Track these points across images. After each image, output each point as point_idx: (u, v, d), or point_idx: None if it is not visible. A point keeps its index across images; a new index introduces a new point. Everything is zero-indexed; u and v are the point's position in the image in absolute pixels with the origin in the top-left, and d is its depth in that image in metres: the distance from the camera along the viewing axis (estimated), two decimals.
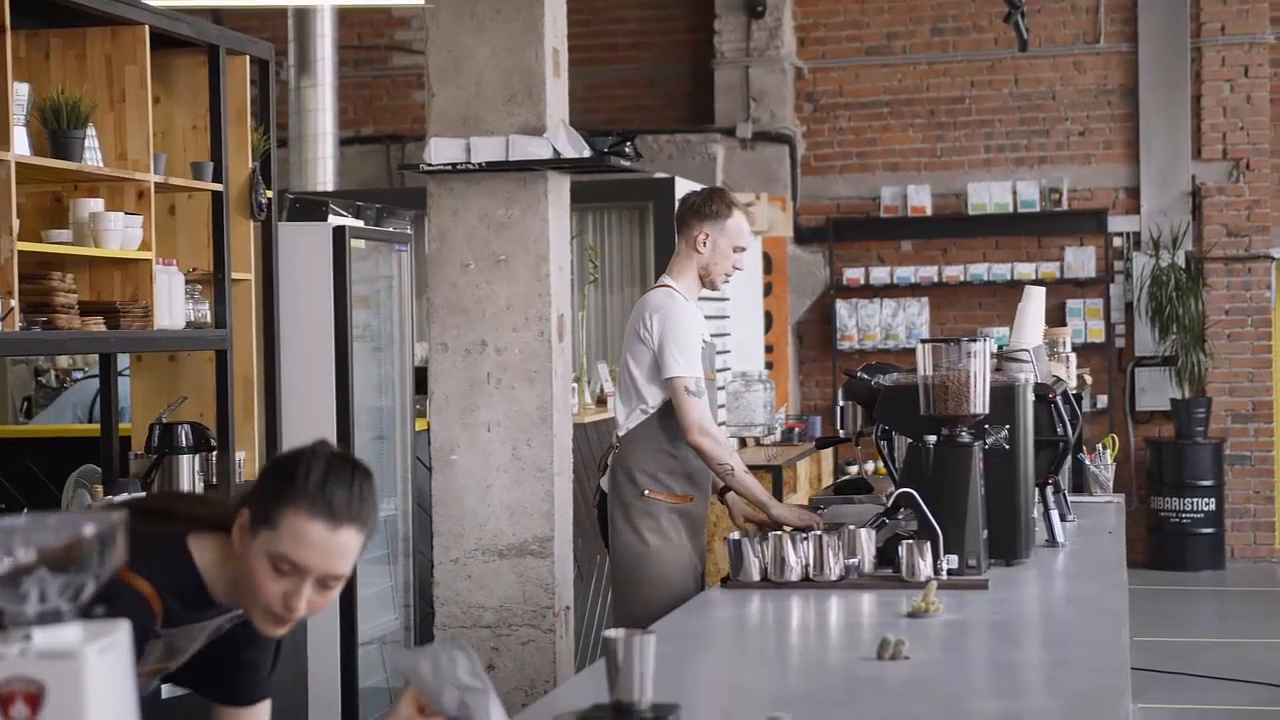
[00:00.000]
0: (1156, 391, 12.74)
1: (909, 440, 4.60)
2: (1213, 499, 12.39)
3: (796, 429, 11.28)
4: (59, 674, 1.72)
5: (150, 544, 2.67)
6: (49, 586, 1.75)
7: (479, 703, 2.50)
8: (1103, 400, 12.72)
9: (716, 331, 10.53)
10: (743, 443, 10.78)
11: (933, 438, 4.44)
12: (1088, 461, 6.48)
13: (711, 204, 5.39)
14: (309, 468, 2.61)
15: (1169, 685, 8.56)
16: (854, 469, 11.78)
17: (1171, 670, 8.85)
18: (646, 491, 5.27)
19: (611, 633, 2.73)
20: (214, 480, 5.63)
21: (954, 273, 12.94)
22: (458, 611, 5.72)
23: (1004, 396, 4.58)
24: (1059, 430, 5.08)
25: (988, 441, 4.50)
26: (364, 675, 6.57)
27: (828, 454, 11.54)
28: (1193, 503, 12.36)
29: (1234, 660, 9.27)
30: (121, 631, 1.79)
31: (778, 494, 9.35)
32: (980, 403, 4.43)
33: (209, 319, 5.61)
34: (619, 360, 10.02)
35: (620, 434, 5.35)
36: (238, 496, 2.77)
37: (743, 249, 5.42)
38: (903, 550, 4.26)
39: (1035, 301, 5.65)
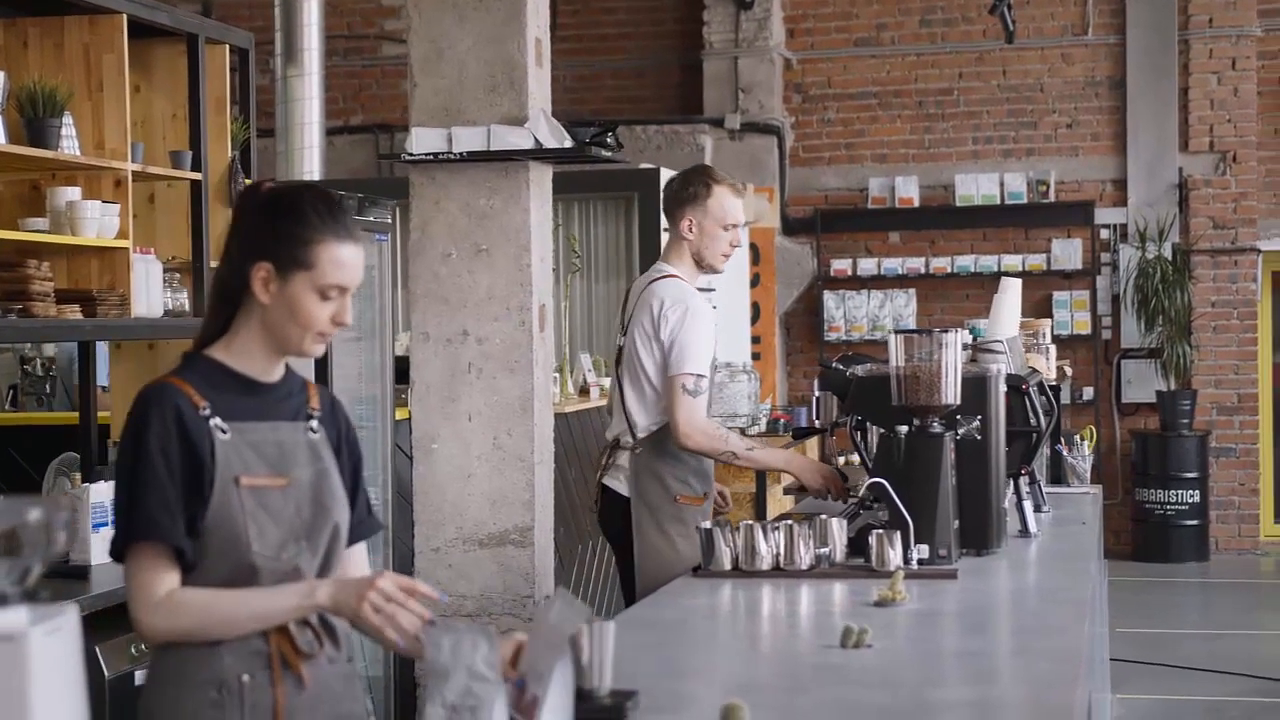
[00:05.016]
0: (1142, 383, 12.77)
1: (881, 431, 4.62)
2: (1197, 491, 12.43)
3: (783, 420, 11.29)
4: (4, 656, 1.74)
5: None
6: None
7: (486, 693, 2.53)
8: (1089, 392, 12.75)
9: None
10: None
11: (904, 428, 4.45)
12: (1065, 453, 6.50)
13: (689, 186, 5.24)
14: (314, 207, 2.87)
15: (1150, 676, 8.59)
16: (842, 459, 11.80)
17: (1153, 661, 8.88)
18: (679, 497, 5.17)
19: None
20: None
21: (941, 264, 12.96)
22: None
23: (976, 387, 4.59)
24: (1032, 421, 5.09)
25: (959, 432, 4.52)
26: None
27: (814, 444, 11.57)
28: (1178, 495, 12.40)
29: (1217, 651, 9.29)
30: (68, 615, 1.81)
31: (761, 484, 9.35)
32: (952, 393, 4.44)
33: (187, 307, 5.63)
34: (608, 352, 9.99)
35: (639, 435, 5.19)
36: (234, 262, 2.90)
37: (734, 225, 5.24)
38: (873, 540, 4.27)
39: (1011, 293, 5.68)
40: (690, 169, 5.45)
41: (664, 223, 10.11)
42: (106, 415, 5.84)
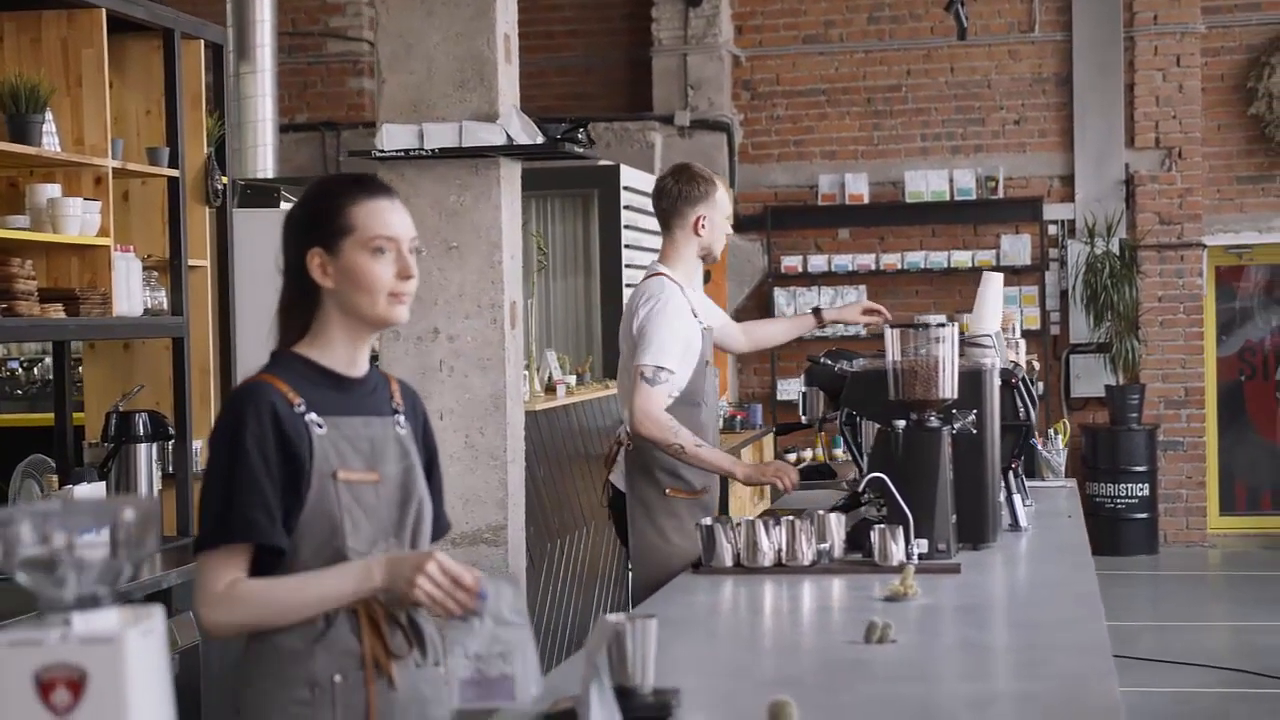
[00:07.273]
0: (1091, 378, 12.86)
1: (877, 425, 4.61)
2: (1146, 484, 12.53)
3: (738, 417, 11.32)
4: (100, 659, 1.70)
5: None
6: (87, 571, 1.74)
7: (516, 638, 2.50)
8: (1039, 387, 12.81)
9: None
10: None
11: (902, 422, 4.45)
12: (1040, 447, 6.53)
13: (698, 186, 5.28)
14: (336, 181, 2.94)
15: (1117, 668, 8.63)
16: (793, 456, 11.83)
17: (1115, 654, 8.93)
18: (668, 490, 5.19)
19: (614, 617, 2.73)
20: (171, 469, 5.57)
21: (891, 260, 13.00)
22: None
23: (971, 381, 4.61)
24: (1022, 414, 5.11)
25: (955, 426, 4.53)
26: None
27: (769, 441, 11.59)
28: (1127, 488, 12.49)
29: (1169, 643, 9.38)
30: (157, 616, 1.77)
31: (724, 481, 9.32)
32: (949, 387, 4.45)
33: (165, 306, 5.55)
34: (571, 349, 9.94)
35: (630, 431, 5.19)
36: (291, 266, 2.90)
37: (728, 214, 5.38)
38: (874, 535, 4.27)
39: (994, 287, 5.70)
40: (677, 170, 5.42)
41: (624, 220, 10.10)
42: (81, 416, 5.74)
